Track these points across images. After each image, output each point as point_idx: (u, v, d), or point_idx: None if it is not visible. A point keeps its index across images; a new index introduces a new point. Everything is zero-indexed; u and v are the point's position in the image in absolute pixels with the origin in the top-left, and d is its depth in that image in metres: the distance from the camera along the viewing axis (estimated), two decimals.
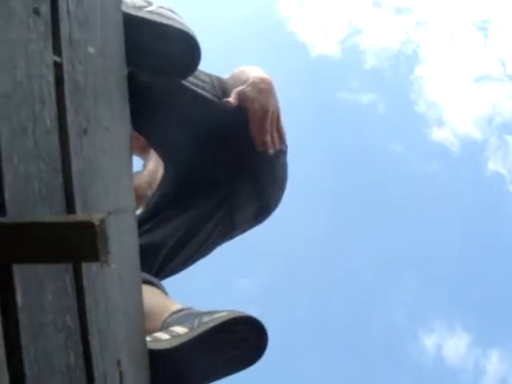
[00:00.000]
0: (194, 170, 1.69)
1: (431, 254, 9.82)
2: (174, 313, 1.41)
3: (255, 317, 1.34)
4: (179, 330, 1.33)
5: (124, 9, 1.28)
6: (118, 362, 1.01)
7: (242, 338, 1.34)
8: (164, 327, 1.36)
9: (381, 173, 10.17)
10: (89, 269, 0.89)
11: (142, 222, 1.66)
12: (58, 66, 0.83)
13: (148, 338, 1.28)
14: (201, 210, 1.69)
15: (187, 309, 1.43)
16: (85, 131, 0.91)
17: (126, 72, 1.18)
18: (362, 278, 9.54)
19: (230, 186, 1.70)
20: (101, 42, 1.00)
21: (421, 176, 10.40)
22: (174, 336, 1.32)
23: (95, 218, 0.63)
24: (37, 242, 0.65)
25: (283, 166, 1.78)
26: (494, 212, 10.10)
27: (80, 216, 0.65)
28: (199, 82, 1.61)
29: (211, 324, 1.32)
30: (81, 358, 0.87)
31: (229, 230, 1.76)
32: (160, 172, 1.86)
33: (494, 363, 9.06)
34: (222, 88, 1.65)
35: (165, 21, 1.38)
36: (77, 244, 0.64)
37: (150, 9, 1.39)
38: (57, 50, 0.83)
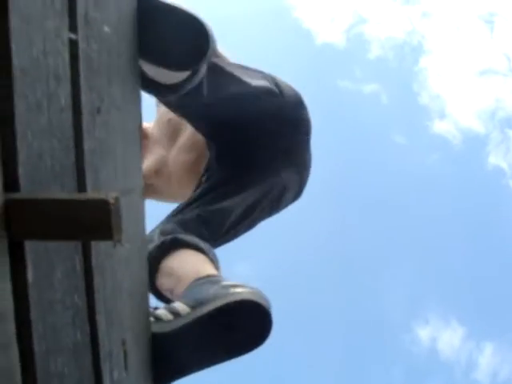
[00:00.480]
0: (246, 160, 1.85)
1: (429, 246, 9.85)
2: (199, 279, 1.42)
3: (260, 302, 1.33)
4: (181, 308, 1.32)
5: None
6: (123, 342, 1.02)
7: (245, 322, 1.33)
8: (170, 305, 1.36)
9: (381, 163, 10.17)
10: (98, 248, 0.89)
11: (191, 202, 1.77)
12: (73, 44, 0.83)
13: (150, 318, 1.29)
14: (257, 191, 1.83)
15: (213, 275, 1.44)
16: (98, 110, 0.90)
17: (137, 51, 1.17)
18: (360, 268, 9.56)
19: (280, 173, 1.87)
20: (115, 21, 1.00)
21: (421, 168, 10.41)
22: (176, 316, 1.32)
23: (110, 197, 0.63)
24: (50, 218, 0.65)
25: (311, 152, 1.98)
26: (492, 206, 10.10)
27: (95, 194, 0.64)
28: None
29: (210, 307, 1.31)
30: (87, 336, 0.87)
31: (275, 209, 1.93)
32: (171, 160, 1.91)
33: (487, 356, 9.11)
34: (276, 83, 1.84)
35: (174, 5, 1.38)
36: (90, 222, 0.64)
37: None
38: (73, 28, 0.83)
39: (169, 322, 1.31)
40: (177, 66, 1.43)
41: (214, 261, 1.59)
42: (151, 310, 1.35)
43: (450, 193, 10.05)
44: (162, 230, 1.66)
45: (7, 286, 0.66)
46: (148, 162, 1.96)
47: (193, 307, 1.32)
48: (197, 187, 1.85)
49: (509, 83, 10.28)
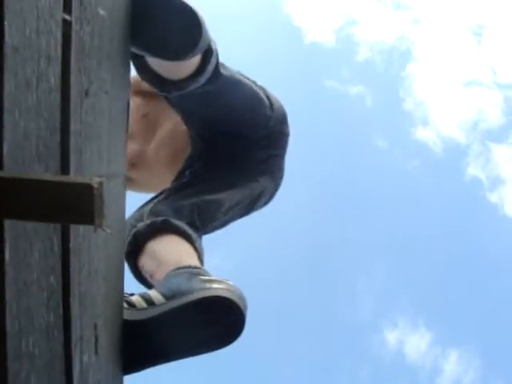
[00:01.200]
0: (228, 162, 1.91)
1: (403, 250, 9.92)
2: (178, 269, 1.42)
3: (234, 299, 1.32)
4: (156, 297, 1.33)
5: None
6: (95, 326, 1.01)
7: (218, 319, 1.33)
8: (144, 294, 1.37)
9: (361, 165, 10.22)
10: (76, 230, 0.88)
11: (190, 185, 1.83)
12: (66, 25, 0.82)
13: (125, 305, 1.29)
14: (237, 192, 1.87)
15: (194, 266, 1.44)
16: (86, 93, 0.90)
17: (129, 37, 1.17)
18: (333, 267, 9.60)
19: (258, 179, 1.94)
20: (109, 5, 0.99)
21: (401, 172, 10.47)
22: (149, 305, 1.32)
23: (94, 181, 0.63)
24: (33, 199, 0.65)
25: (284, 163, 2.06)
26: (468, 216, 10.20)
27: (79, 178, 0.64)
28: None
29: (184, 300, 1.31)
30: (60, 318, 0.87)
31: (248, 211, 1.97)
32: (151, 153, 1.93)
33: (451, 363, 9.21)
34: (268, 96, 1.92)
35: None
36: (73, 205, 0.64)
37: None
38: (67, 9, 0.82)
39: (142, 309, 1.31)
40: (169, 55, 1.43)
41: (199, 251, 1.59)
42: (126, 295, 1.35)
43: (428, 200, 10.13)
44: (153, 209, 1.66)
45: None
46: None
47: (168, 298, 1.32)
48: (176, 178, 1.86)
49: (493, 96, 10.37)
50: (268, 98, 1.92)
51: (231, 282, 1.36)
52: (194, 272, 1.40)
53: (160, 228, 1.59)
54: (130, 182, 1.91)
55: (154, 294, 1.35)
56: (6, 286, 0.71)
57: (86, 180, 0.62)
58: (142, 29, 1.31)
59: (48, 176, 0.66)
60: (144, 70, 1.53)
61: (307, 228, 9.46)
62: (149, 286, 1.57)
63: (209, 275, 1.39)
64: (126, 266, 1.47)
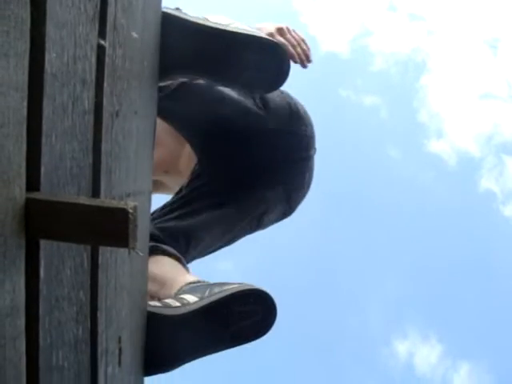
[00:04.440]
0: (229, 173, 1.80)
1: (415, 261, 9.89)
2: (190, 283, 1.45)
3: (266, 290, 1.37)
4: (190, 298, 1.36)
5: (211, 25, 1.31)
6: (119, 339, 1.04)
7: (251, 311, 1.37)
8: (177, 295, 1.40)
9: (374, 175, 10.21)
10: (105, 247, 0.91)
11: (173, 208, 1.76)
12: (100, 49, 0.86)
13: (158, 304, 1.32)
14: (236, 210, 1.79)
15: (203, 281, 1.47)
16: (117, 114, 0.93)
17: (158, 58, 1.20)
18: (344, 277, 9.59)
19: (265, 191, 1.81)
20: (140, 28, 1.02)
21: (414, 184, 10.45)
22: (184, 304, 1.36)
23: (129, 206, 0.65)
24: (69, 221, 0.68)
25: (310, 171, 1.88)
26: (481, 228, 10.15)
27: (115, 202, 0.67)
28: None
29: (221, 294, 1.35)
30: (88, 332, 0.90)
31: (255, 228, 1.88)
32: (183, 159, 1.91)
33: (462, 376, 9.16)
34: (262, 97, 1.78)
35: (253, 33, 1.39)
36: (108, 229, 0.66)
37: (233, 25, 1.40)
38: (102, 34, 0.85)
39: (178, 307, 1.34)
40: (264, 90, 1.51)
41: (188, 269, 1.62)
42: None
43: (441, 211, 10.10)
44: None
45: (22, 282, 0.68)
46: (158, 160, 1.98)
47: (200, 298, 1.35)
48: (179, 191, 1.85)
49: (508, 109, 10.34)
50: (263, 98, 1.78)
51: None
52: (207, 283, 1.45)
53: (150, 252, 1.59)
54: (161, 186, 1.94)
55: (185, 295, 1.38)
56: (40, 302, 0.74)
57: (121, 205, 0.65)
58: (232, 73, 1.37)
59: (84, 199, 0.69)
60: None
61: (318, 238, 9.46)
62: None
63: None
64: None
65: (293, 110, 1.82)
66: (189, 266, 1.68)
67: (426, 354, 9.40)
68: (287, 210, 1.92)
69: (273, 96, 1.79)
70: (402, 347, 9.50)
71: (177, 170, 1.93)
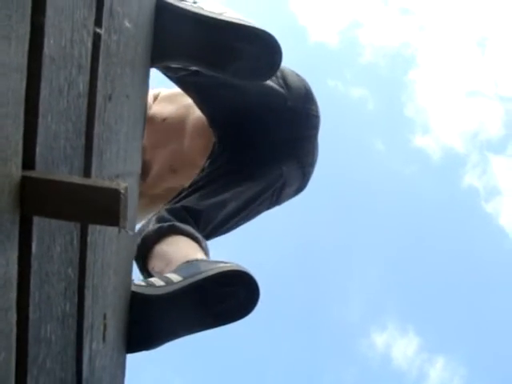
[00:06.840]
0: (249, 148, 1.88)
1: (397, 254, 9.98)
2: (188, 261, 1.48)
3: (249, 272, 1.40)
4: (174, 277, 1.39)
5: (204, 13, 1.34)
6: (104, 316, 1.07)
7: (233, 292, 1.39)
8: (165, 274, 1.43)
9: (359, 167, 10.27)
10: (94, 226, 0.94)
11: (197, 187, 1.82)
12: (96, 35, 0.88)
13: (143, 283, 1.35)
14: (257, 185, 1.86)
15: (201, 260, 1.50)
16: (109, 97, 0.96)
17: (151, 44, 1.22)
18: (326, 267, 9.66)
19: (281, 166, 1.89)
20: (135, 15, 1.05)
21: (398, 177, 10.53)
22: (168, 283, 1.38)
23: (121, 186, 0.68)
24: (62, 199, 0.71)
25: (317, 149, 2.01)
26: (463, 224, 10.25)
27: (107, 182, 0.70)
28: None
29: (203, 275, 1.38)
30: (75, 307, 0.93)
31: (274, 203, 1.96)
32: (187, 148, 1.94)
33: (437, 370, 9.28)
34: (283, 76, 1.86)
35: (246, 23, 1.42)
36: (100, 208, 0.69)
37: (226, 14, 1.43)
38: (98, 20, 0.88)
39: (161, 287, 1.37)
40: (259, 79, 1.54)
41: (205, 250, 1.65)
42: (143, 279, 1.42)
43: (423, 206, 10.18)
44: (159, 217, 1.72)
45: (14, 256, 0.71)
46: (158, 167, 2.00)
47: (185, 277, 1.38)
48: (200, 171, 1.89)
49: (494, 107, 10.42)
50: (284, 78, 1.87)
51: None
52: (203, 260, 1.47)
53: (167, 232, 1.64)
54: (173, 190, 1.95)
55: (170, 274, 1.41)
56: (32, 276, 0.77)
57: (113, 185, 0.68)
58: (224, 61, 1.40)
59: (78, 179, 0.72)
60: None
61: (301, 228, 9.52)
62: None
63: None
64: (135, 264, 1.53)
65: (308, 91, 1.92)
66: None
67: (403, 347, 9.51)
68: (301, 185, 2.01)
69: (292, 76, 1.90)
70: (380, 339, 9.61)
71: (184, 165, 1.96)
